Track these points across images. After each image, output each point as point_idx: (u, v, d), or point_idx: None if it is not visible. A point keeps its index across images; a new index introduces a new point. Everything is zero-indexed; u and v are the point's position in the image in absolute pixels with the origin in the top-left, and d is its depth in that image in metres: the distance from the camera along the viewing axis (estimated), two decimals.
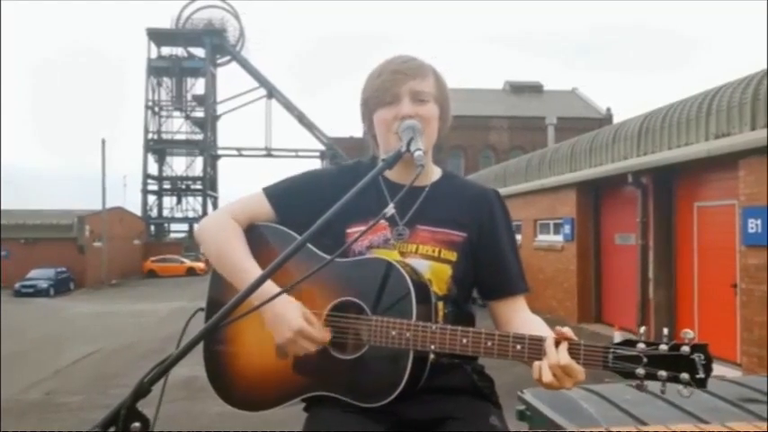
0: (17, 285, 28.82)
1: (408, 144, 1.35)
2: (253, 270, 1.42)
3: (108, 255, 33.53)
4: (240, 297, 1.17)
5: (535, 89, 43.42)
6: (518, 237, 18.15)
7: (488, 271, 1.54)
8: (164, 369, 1.09)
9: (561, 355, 1.24)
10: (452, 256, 1.51)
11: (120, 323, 16.66)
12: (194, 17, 50.77)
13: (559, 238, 15.09)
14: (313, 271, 1.26)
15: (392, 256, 1.46)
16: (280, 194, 1.58)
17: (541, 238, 16.45)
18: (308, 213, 1.36)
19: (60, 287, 29.77)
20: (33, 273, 29.78)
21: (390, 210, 1.28)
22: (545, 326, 1.43)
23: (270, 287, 1.27)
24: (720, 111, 9.52)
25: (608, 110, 40.32)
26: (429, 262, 1.49)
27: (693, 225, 10.52)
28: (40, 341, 14.34)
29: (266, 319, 1.41)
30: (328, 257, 1.26)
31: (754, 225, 8.33)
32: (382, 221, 1.48)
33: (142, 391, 1.07)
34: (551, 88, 44.03)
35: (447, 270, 1.50)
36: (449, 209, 1.54)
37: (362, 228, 1.41)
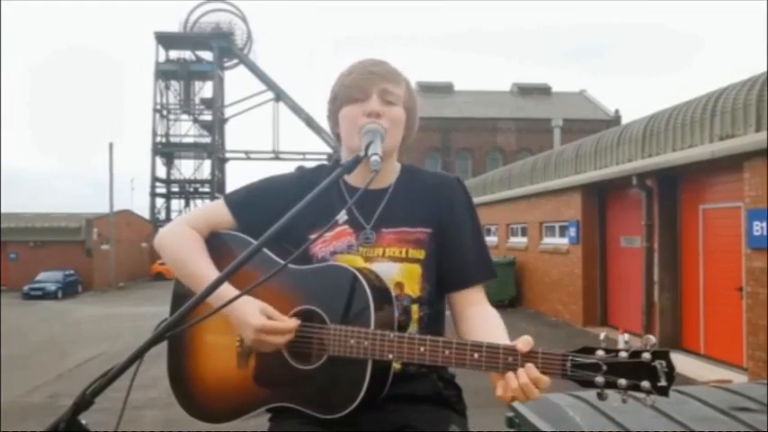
0: (26, 288, 28.99)
1: (367, 148, 1.34)
2: (211, 275, 1.39)
3: (115, 257, 33.69)
4: (191, 304, 1.15)
5: (543, 91, 43.25)
6: (524, 239, 18.11)
7: (446, 262, 1.50)
8: (107, 381, 1.06)
9: (529, 373, 1.20)
10: (420, 254, 1.47)
11: (125, 326, 16.69)
12: (202, 20, 51.00)
13: (565, 240, 15.01)
14: (267, 276, 1.23)
15: (355, 262, 1.43)
16: (239, 201, 1.56)
17: (547, 240, 16.37)
18: (269, 219, 1.33)
19: (68, 290, 29.91)
20: (42, 275, 29.96)
21: (343, 216, 1.25)
22: (500, 322, 1.41)
23: (226, 291, 1.25)
24: (725, 112, 9.43)
25: (616, 111, 40.11)
26: (399, 264, 1.46)
27: (699, 228, 10.42)
28: (45, 344, 14.40)
29: (232, 323, 1.39)
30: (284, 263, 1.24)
31: (759, 228, 8.24)
32: (347, 227, 1.47)
33: (84, 403, 1.05)
34: (559, 90, 43.88)
35: (417, 270, 1.46)
36: (410, 206, 1.51)
37: (326, 233, 1.40)
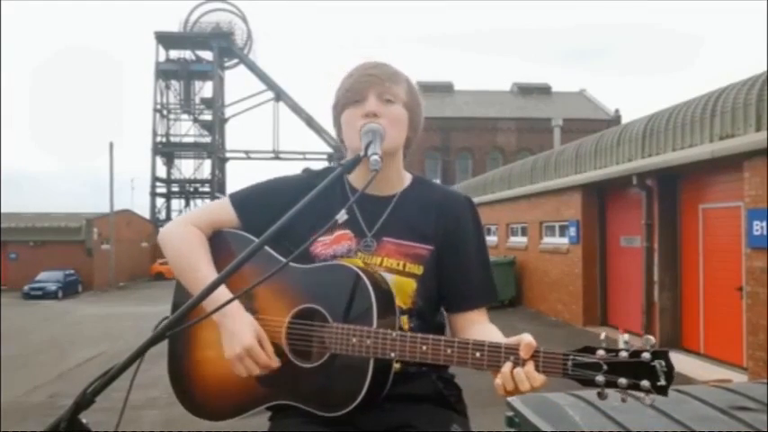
0: (26, 288, 29.01)
1: (366, 148, 1.33)
2: (211, 277, 1.39)
3: (116, 257, 33.69)
4: (191, 304, 1.16)
5: (543, 91, 43.25)
6: (524, 239, 18.10)
7: (449, 283, 1.50)
8: (107, 380, 1.06)
9: (530, 373, 1.21)
10: (418, 269, 1.47)
11: (125, 326, 16.70)
12: (202, 20, 50.98)
13: (565, 240, 15.00)
14: (267, 276, 1.23)
15: (356, 263, 1.43)
16: (243, 200, 1.55)
17: (547, 240, 16.37)
18: (272, 219, 1.33)
19: (69, 289, 29.92)
20: (42, 275, 29.97)
21: (343, 216, 1.25)
22: (500, 336, 1.39)
23: (223, 294, 1.25)
24: (725, 112, 9.43)
25: (616, 111, 40.10)
26: (393, 276, 1.45)
27: (698, 227, 10.42)
28: (46, 344, 14.40)
29: (221, 330, 1.39)
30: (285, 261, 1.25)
31: (759, 227, 8.24)
32: (348, 232, 1.47)
33: (84, 402, 1.05)
34: (559, 90, 43.86)
35: (411, 284, 1.46)
36: (415, 220, 1.50)
37: (327, 235, 1.41)
